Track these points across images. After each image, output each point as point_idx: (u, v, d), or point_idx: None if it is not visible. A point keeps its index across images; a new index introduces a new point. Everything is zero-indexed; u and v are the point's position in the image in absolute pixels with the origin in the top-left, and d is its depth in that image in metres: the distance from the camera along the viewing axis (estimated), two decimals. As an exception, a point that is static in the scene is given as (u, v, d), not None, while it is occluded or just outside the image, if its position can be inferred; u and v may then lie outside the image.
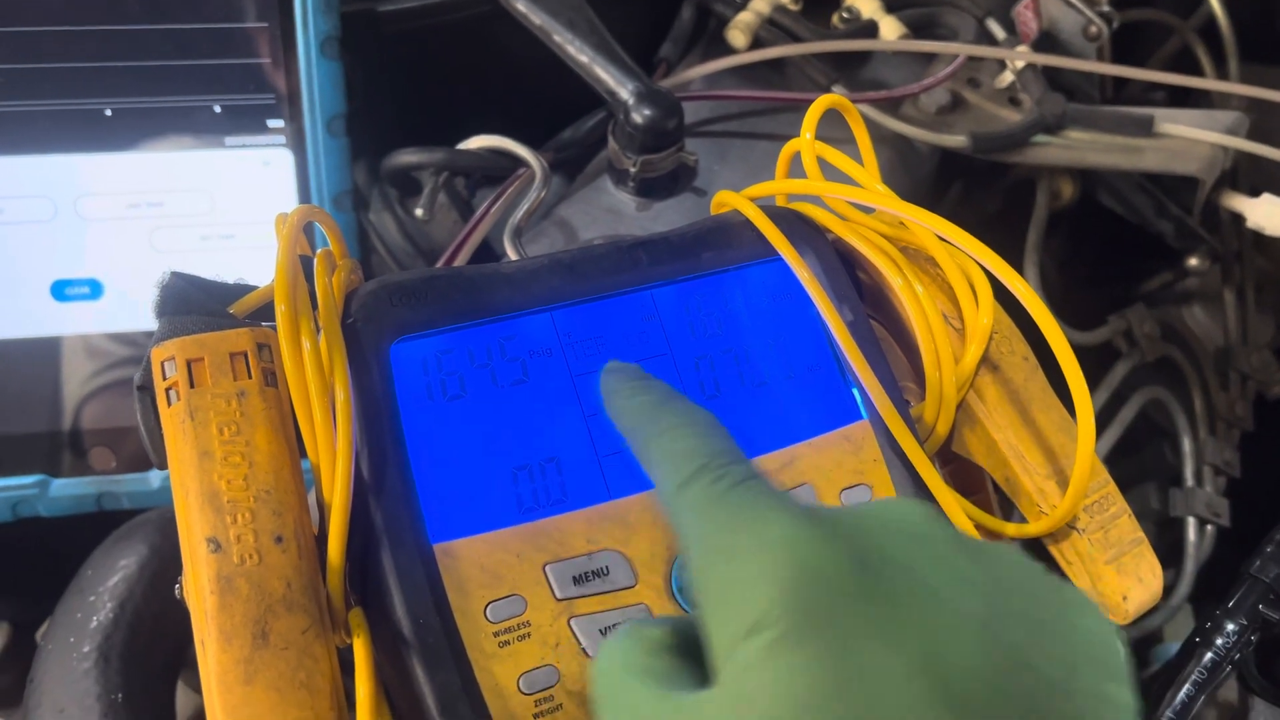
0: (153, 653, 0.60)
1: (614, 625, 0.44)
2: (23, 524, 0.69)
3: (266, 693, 0.38)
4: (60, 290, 0.67)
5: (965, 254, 0.50)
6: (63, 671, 0.58)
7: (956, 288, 0.52)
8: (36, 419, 0.67)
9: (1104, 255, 0.94)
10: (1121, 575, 0.50)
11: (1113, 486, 0.51)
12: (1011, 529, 0.52)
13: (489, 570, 0.43)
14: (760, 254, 0.52)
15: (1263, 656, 0.61)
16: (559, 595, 0.44)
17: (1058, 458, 0.51)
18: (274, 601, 0.39)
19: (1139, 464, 0.87)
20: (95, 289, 0.67)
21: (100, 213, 0.67)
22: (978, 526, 0.50)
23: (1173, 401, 0.78)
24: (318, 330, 0.43)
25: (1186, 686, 0.50)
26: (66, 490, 0.68)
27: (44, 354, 0.67)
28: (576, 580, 0.44)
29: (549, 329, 0.47)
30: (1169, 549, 0.80)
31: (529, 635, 0.43)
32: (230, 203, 0.68)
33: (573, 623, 0.44)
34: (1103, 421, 0.76)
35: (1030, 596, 0.31)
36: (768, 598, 0.29)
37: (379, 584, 0.42)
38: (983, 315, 0.51)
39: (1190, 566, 0.75)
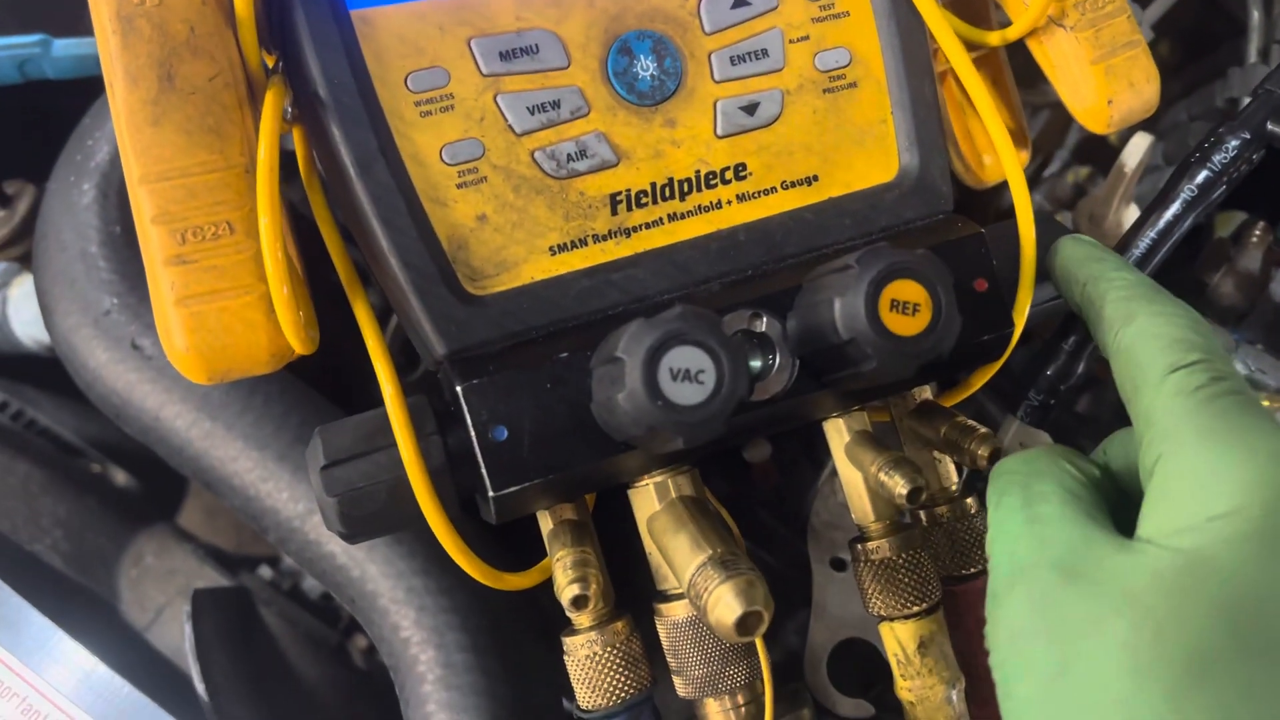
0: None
1: (543, 104, 0.43)
2: (37, 90, 0.71)
3: (174, 135, 0.38)
4: None
5: None
6: (64, 208, 0.60)
7: None
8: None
9: None
10: (1110, 78, 0.46)
11: (1114, -16, 0.46)
12: (994, 37, 0.48)
13: (409, 41, 0.42)
14: None
15: None
16: (484, 70, 0.42)
17: (1053, -50, 0.46)
18: (178, 45, 0.39)
19: (1198, 68, 0.80)
20: None
21: None
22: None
23: (1245, -37, 0.69)
24: None
25: (1174, 206, 0.47)
26: (69, 50, 0.68)
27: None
28: (503, 56, 0.42)
29: None
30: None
31: (452, 108, 0.42)
32: None
33: (499, 99, 0.42)
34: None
35: None
36: (1244, 495, 0.32)
37: (294, 44, 0.41)
38: None
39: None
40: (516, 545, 0.55)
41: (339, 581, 0.52)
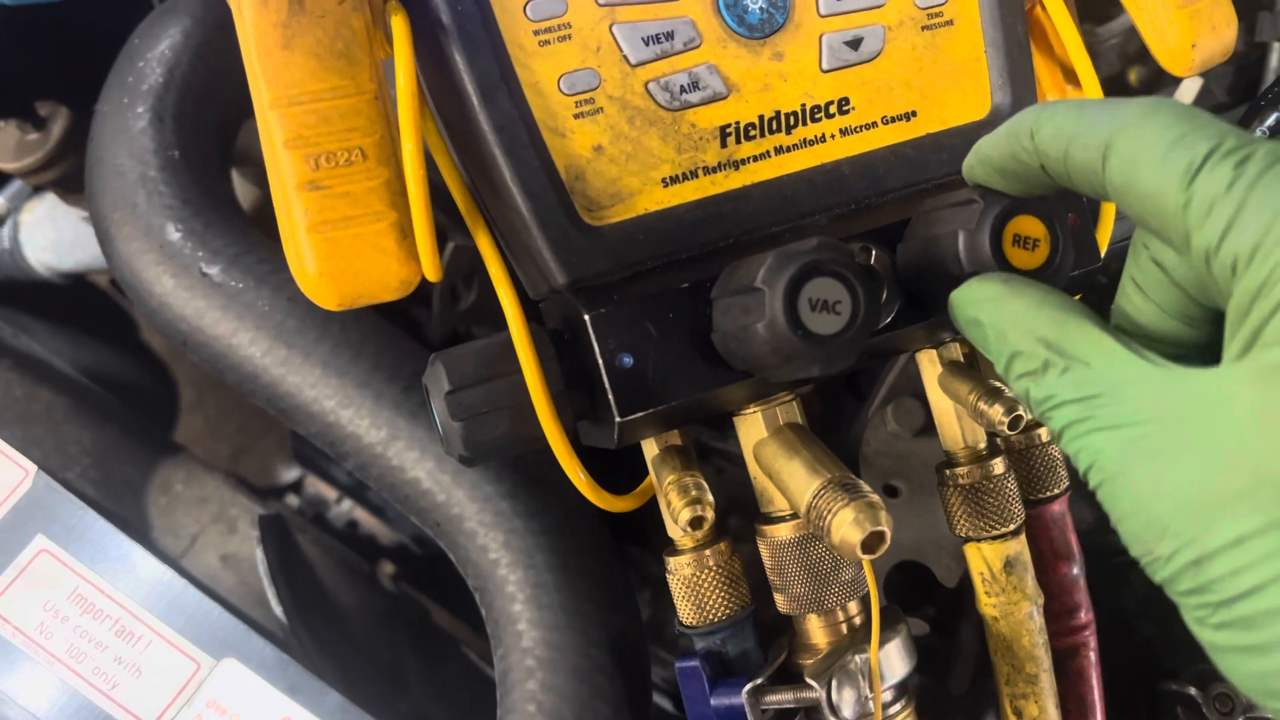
0: (205, 117, 0.61)
1: (657, 35, 0.43)
2: (68, 7, 0.69)
3: (305, 59, 0.38)
4: None
5: None
6: (118, 131, 0.59)
7: None
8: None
9: None
10: (1195, 22, 0.47)
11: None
12: (1084, -24, 0.49)
13: (528, -32, 0.42)
14: None
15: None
16: (601, 0, 0.42)
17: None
18: (307, -33, 0.38)
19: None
20: None
21: None
22: None
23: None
24: None
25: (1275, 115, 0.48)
26: (106, -33, 0.66)
27: None
28: (619, -14, 0.43)
29: None
30: (1248, 85, 0.77)
31: (569, 37, 0.42)
32: None
33: (614, 29, 0.43)
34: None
35: None
36: None
37: (415, -29, 0.41)
38: None
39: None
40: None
41: (423, 507, 0.53)
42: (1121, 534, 0.31)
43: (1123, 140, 0.31)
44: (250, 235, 0.58)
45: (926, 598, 0.62)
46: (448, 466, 0.52)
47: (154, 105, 0.59)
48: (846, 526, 0.38)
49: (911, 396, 0.62)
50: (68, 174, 0.73)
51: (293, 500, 0.90)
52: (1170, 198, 0.30)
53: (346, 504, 0.89)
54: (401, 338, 0.57)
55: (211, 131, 0.62)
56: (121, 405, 0.87)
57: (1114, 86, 0.78)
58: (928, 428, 0.61)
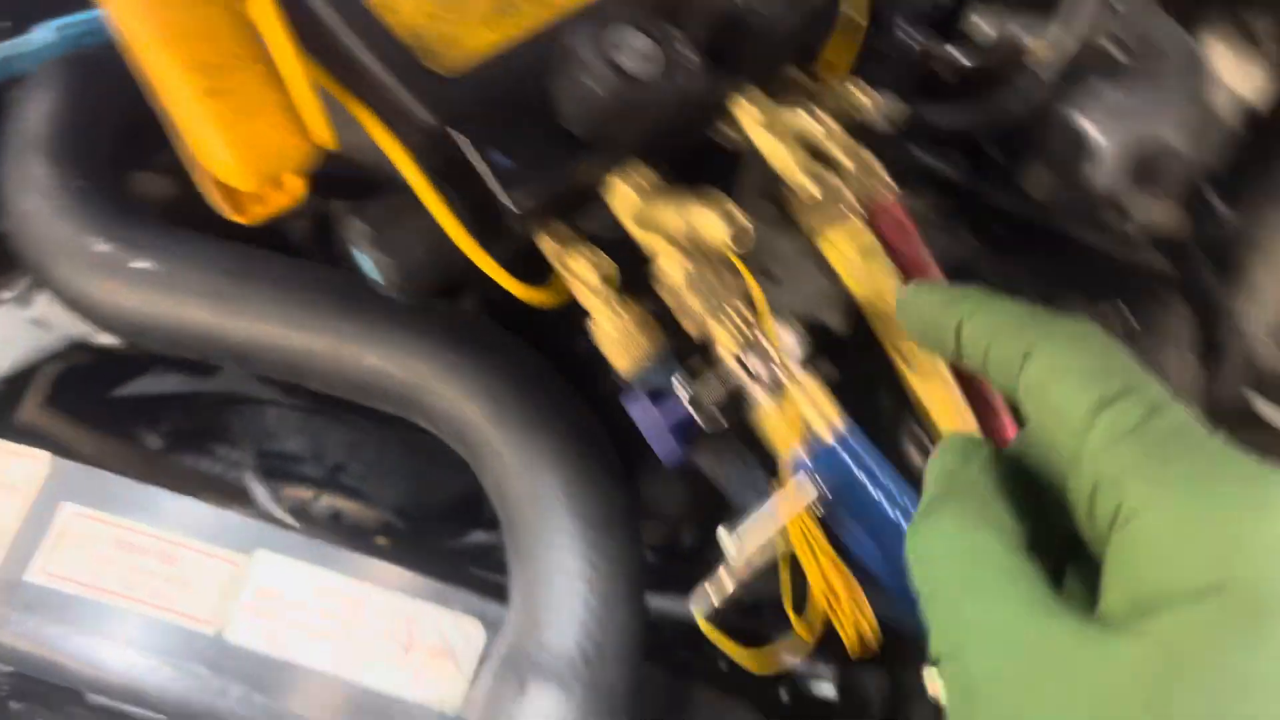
0: (98, 154, 0.69)
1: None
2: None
3: (174, -4, 0.47)
4: None
5: None
6: (24, 181, 0.67)
7: None
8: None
9: None
10: None
11: None
12: None
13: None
14: None
15: None
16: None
17: None
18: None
19: None
20: None
21: None
22: None
23: None
24: None
25: None
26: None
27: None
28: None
29: None
30: None
31: (377, -65, 0.52)
32: None
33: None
34: None
35: None
36: (1219, 565, 0.28)
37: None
38: None
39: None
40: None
41: (386, 387, 0.60)
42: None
43: (1048, 347, 0.33)
44: (167, 226, 0.66)
45: (832, 356, 0.71)
46: (396, 345, 0.61)
47: (50, 151, 0.67)
48: (714, 225, 0.48)
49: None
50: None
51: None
52: (1076, 418, 0.31)
53: (325, 499, 0.96)
54: (314, 264, 0.65)
55: (106, 164, 0.70)
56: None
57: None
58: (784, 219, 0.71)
